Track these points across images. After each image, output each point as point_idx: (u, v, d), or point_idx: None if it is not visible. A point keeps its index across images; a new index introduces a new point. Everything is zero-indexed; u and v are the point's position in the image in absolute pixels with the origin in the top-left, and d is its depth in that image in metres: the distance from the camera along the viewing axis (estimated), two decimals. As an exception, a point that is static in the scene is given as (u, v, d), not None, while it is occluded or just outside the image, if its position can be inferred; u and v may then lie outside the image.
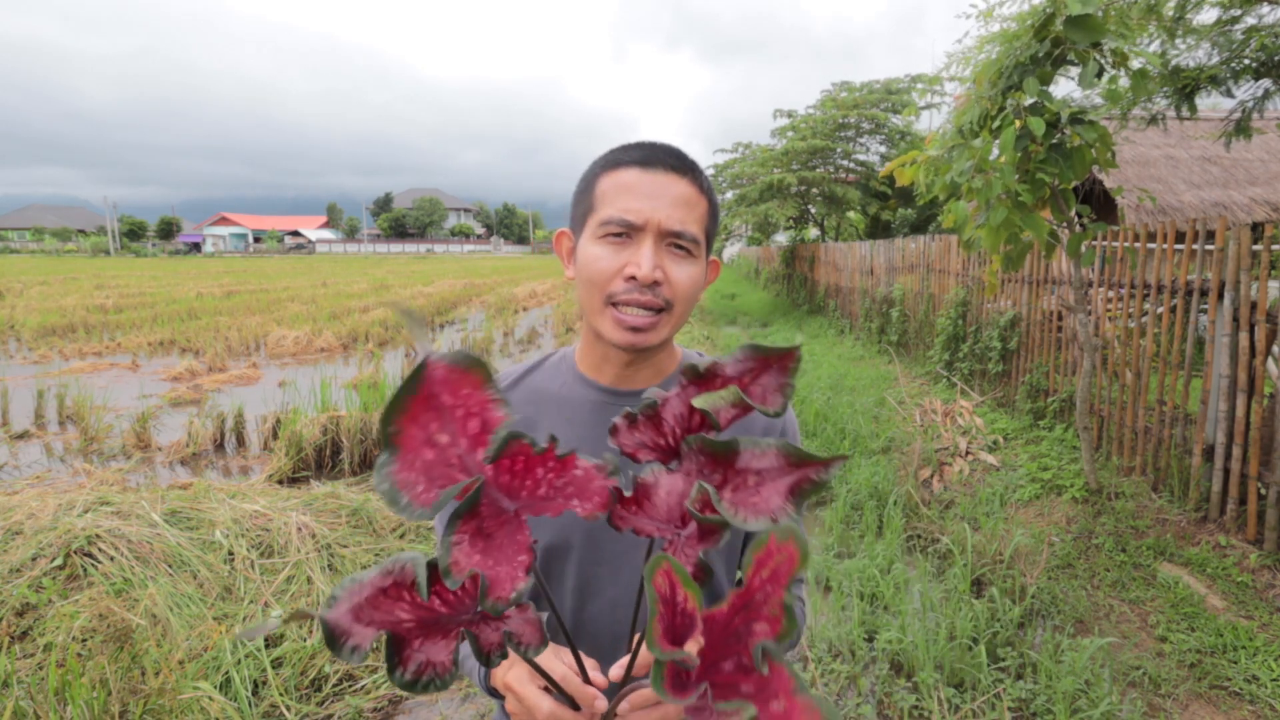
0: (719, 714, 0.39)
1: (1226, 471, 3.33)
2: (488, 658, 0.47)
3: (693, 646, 0.42)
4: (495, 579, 0.45)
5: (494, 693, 0.79)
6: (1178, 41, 3.73)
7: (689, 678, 0.41)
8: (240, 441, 5.73)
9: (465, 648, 0.86)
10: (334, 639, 0.42)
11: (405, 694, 2.52)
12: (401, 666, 0.45)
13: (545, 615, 0.52)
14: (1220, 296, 3.44)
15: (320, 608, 0.43)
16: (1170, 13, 3.61)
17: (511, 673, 0.70)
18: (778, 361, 0.54)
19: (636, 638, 0.60)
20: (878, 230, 16.15)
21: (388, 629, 0.44)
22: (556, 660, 0.70)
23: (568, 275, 0.89)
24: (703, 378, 0.54)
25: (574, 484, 0.50)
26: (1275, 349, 3.38)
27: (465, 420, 0.45)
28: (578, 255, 0.85)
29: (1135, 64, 2.93)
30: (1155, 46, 3.81)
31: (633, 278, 0.79)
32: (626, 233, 0.80)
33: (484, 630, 0.48)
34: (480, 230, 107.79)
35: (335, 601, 0.43)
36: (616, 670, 0.68)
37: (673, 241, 0.81)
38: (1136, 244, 4.14)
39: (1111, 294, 4.55)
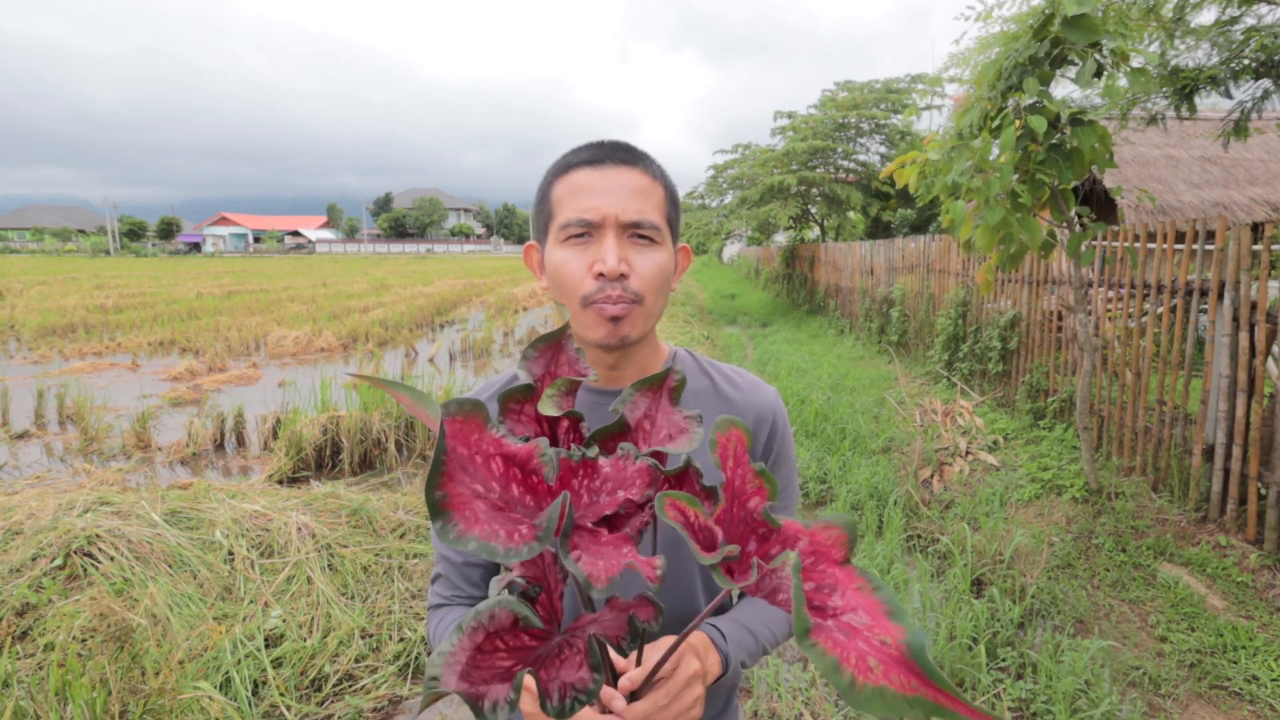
0: (773, 572, 0.46)
1: (1226, 471, 3.33)
2: (620, 646, 0.50)
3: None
4: (641, 565, 0.46)
5: None
6: (1177, 42, 3.73)
7: (741, 566, 0.48)
8: (240, 441, 5.74)
9: None
10: (475, 708, 0.42)
11: (405, 694, 2.52)
12: (548, 698, 0.45)
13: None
14: (1220, 296, 3.44)
15: (431, 681, 0.41)
16: (1169, 13, 3.61)
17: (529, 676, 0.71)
18: (559, 341, 0.61)
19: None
20: (878, 230, 16.15)
21: (517, 671, 0.44)
22: None
23: (542, 286, 0.89)
24: (526, 394, 0.57)
25: (610, 479, 0.51)
26: (1275, 349, 3.38)
27: (488, 463, 0.46)
28: (546, 264, 0.86)
29: (1135, 62, 2.93)
30: (1155, 47, 3.81)
31: (601, 274, 0.79)
32: (587, 232, 0.81)
33: (606, 627, 0.49)
34: (480, 230, 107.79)
35: (439, 678, 0.41)
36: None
37: (634, 232, 0.81)
38: (1136, 244, 4.14)
39: (1111, 294, 4.55)
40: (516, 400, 0.57)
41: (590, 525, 0.48)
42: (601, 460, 0.51)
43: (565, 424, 0.57)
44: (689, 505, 0.48)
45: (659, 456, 0.54)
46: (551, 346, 0.60)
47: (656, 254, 0.83)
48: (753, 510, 0.50)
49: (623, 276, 0.80)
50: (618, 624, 0.49)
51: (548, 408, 0.54)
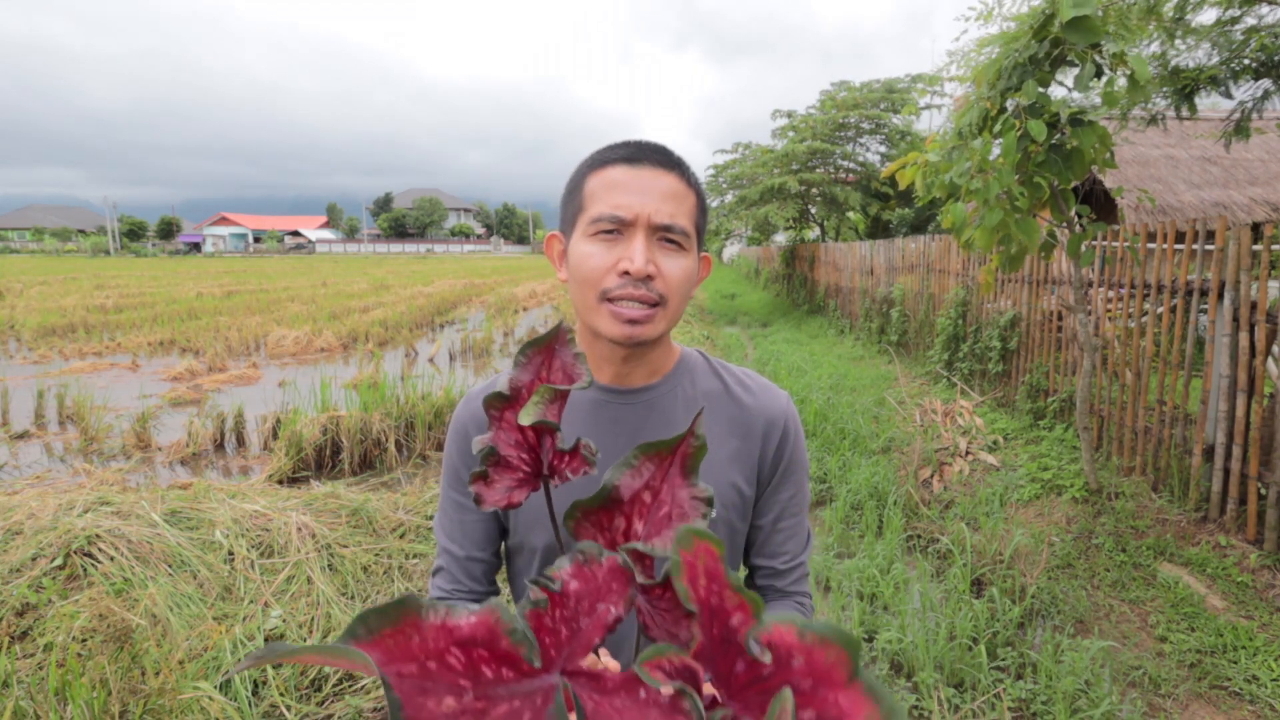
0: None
1: (1226, 471, 3.33)
2: None
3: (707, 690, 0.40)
4: None
5: None
6: (1177, 42, 3.72)
7: (717, 704, 0.39)
8: (240, 441, 5.73)
9: None
10: None
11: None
12: None
13: None
14: (1220, 296, 3.44)
15: None
16: (1170, 13, 3.61)
17: None
18: (555, 342, 0.56)
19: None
20: (878, 230, 16.15)
21: None
22: None
23: (560, 278, 0.89)
24: (511, 399, 0.53)
25: (585, 597, 0.43)
26: (1275, 349, 3.38)
27: (444, 663, 0.36)
28: (570, 255, 0.85)
29: (1131, 70, 2.93)
30: (1155, 47, 3.80)
31: (626, 272, 0.79)
32: (617, 229, 0.80)
33: None
34: (480, 230, 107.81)
35: None
36: None
37: (664, 235, 0.81)
38: (1136, 244, 4.14)
39: (1111, 294, 4.55)
40: (496, 407, 0.54)
41: (587, 670, 0.40)
42: (565, 575, 0.42)
43: (548, 434, 0.54)
44: (667, 655, 0.40)
45: (638, 557, 0.44)
46: (541, 349, 0.56)
47: (683, 259, 0.83)
48: (735, 628, 0.40)
49: (648, 278, 0.80)
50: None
51: (526, 416, 0.51)
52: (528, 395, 0.54)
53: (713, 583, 0.40)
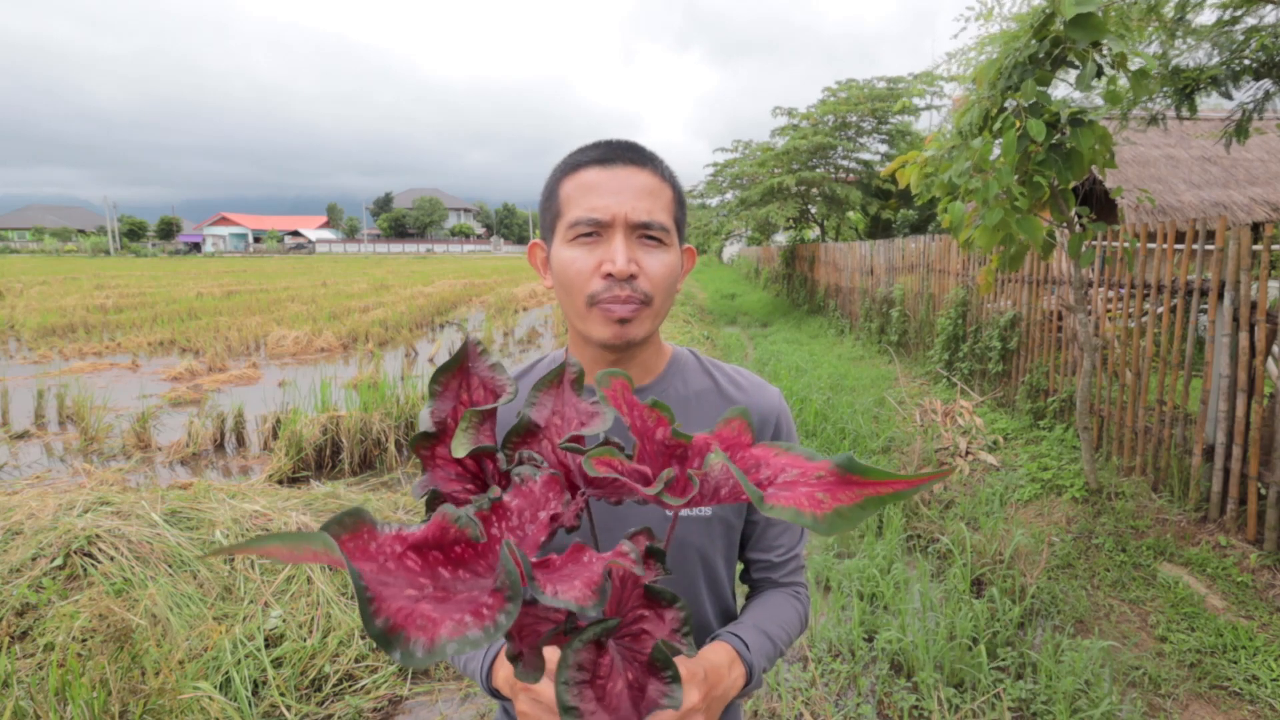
0: (707, 476, 0.48)
1: (1226, 471, 3.33)
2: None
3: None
4: (619, 557, 0.46)
5: (495, 693, 0.78)
6: (1178, 42, 3.72)
7: (681, 485, 0.50)
8: (240, 441, 5.73)
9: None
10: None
11: (405, 694, 2.52)
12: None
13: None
14: (1220, 296, 3.44)
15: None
16: (1170, 13, 3.61)
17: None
18: (467, 361, 0.57)
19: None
20: (878, 230, 16.15)
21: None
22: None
23: (546, 285, 0.89)
24: (438, 436, 0.54)
25: (525, 508, 0.48)
26: (1275, 349, 3.38)
27: (402, 564, 0.39)
28: (552, 262, 0.85)
29: (1134, 65, 2.93)
30: (1155, 47, 3.80)
31: (609, 274, 0.79)
32: (596, 231, 0.80)
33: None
34: (480, 230, 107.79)
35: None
36: None
37: (643, 233, 0.81)
38: (1136, 244, 4.14)
39: (1111, 294, 4.55)
40: (426, 447, 0.52)
41: (535, 560, 0.45)
42: (505, 496, 0.48)
43: (486, 457, 0.53)
44: (613, 456, 0.48)
45: (578, 440, 0.54)
46: (456, 375, 0.55)
47: (665, 255, 0.83)
48: (662, 440, 0.51)
49: (632, 277, 0.79)
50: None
51: (459, 448, 0.50)
52: (454, 425, 0.54)
53: (634, 408, 0.52)
